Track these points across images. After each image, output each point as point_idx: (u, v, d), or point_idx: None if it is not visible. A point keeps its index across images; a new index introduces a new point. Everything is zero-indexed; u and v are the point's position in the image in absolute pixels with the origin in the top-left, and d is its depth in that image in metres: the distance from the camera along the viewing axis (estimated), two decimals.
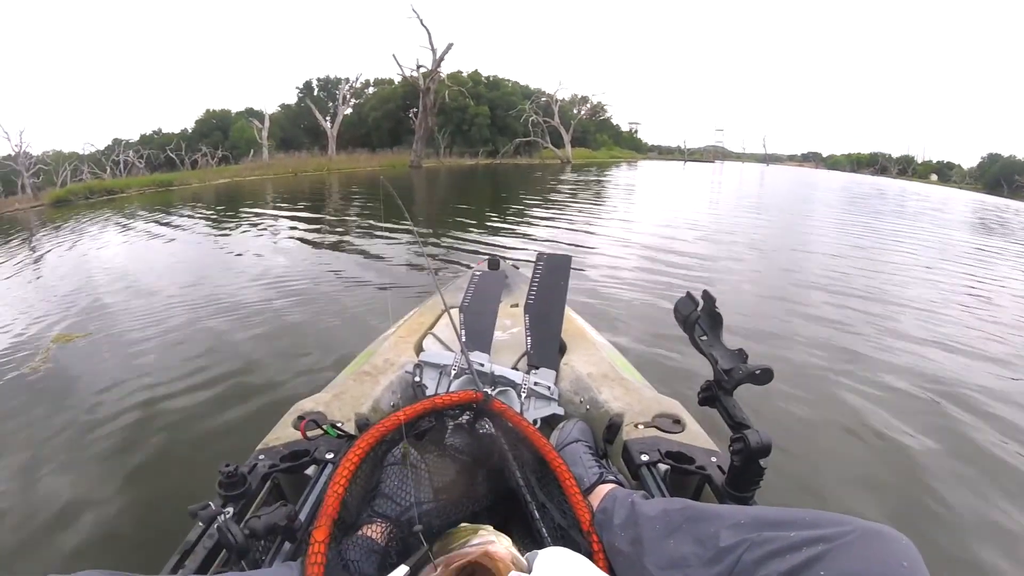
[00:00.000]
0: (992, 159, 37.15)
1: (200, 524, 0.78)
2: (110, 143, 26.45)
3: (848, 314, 3.76)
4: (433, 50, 20.78)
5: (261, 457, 0.99)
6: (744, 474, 0.83)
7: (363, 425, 1.12)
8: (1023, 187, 30.35)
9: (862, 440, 2.20)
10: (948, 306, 4.11)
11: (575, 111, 34.24)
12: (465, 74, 28.58)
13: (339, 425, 1.04)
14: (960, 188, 33.13)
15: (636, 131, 55.12)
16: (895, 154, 50.57)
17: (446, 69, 23.37)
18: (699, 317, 0.92)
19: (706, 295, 0.92)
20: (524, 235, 6.78)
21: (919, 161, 48.14)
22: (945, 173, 43.93)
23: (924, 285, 4.71)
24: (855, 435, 2.24)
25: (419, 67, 21.33)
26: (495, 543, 0.65)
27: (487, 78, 30.19)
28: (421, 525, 0.72)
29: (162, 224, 8.40)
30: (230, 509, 0.82)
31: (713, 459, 0.99)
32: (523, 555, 0.74)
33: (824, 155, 63.96)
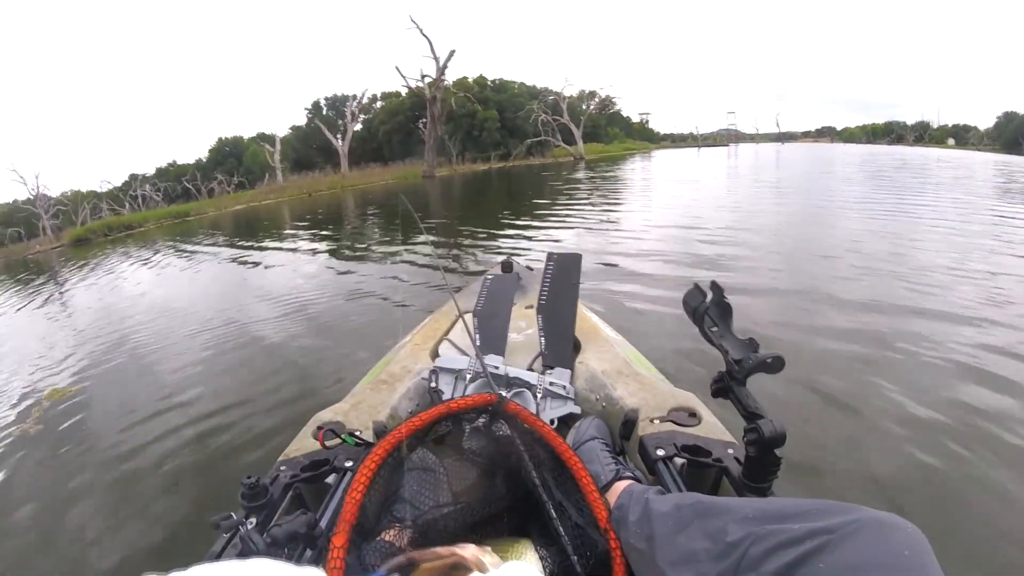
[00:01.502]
0: (1008, 118, 35.94)
1: (223, 535, 0.80)
2: (127, 179, 27.44)
3: (873, 305, 3.48)
4: (436, 59, 20.97)
5: (282, 468, 1.02)
6: (760, 464, 0.82)
7: (381, 432, 1.14)
8: None
9: (883, 431, 2.13)
10: (986, 295, 3.56)
11: (584, 107, 34.13)
12: (471, 79, 28.76)
13: (357, 433, 1.06)
14: (978, 150, 32.01)
15: (647, 121, 54.90)
16: (910, 121, 49.38)
17: (451, 76, 23.63)
18: (708, 308, 0.92)
19: (714, 285, 0.92)
20: (540, 236, 6.79)
21: (935, 126, 46.88)
22: (962, 136, 42.73)
23: (956, 276, 4.05)
24: (874, 424, 2.16)
25: (423, 77, 21.51)
26: (465, 548, 0.67)
27: (493, 81, 30.32)
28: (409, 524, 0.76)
29: (178, 256, 8.64)
30: (252, 519, 0.84)
31: (730, 451, 0.97)
32: (540, 558, 0.76)
33: (839, 128, 62.62)
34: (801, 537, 0.49)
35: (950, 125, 46.56)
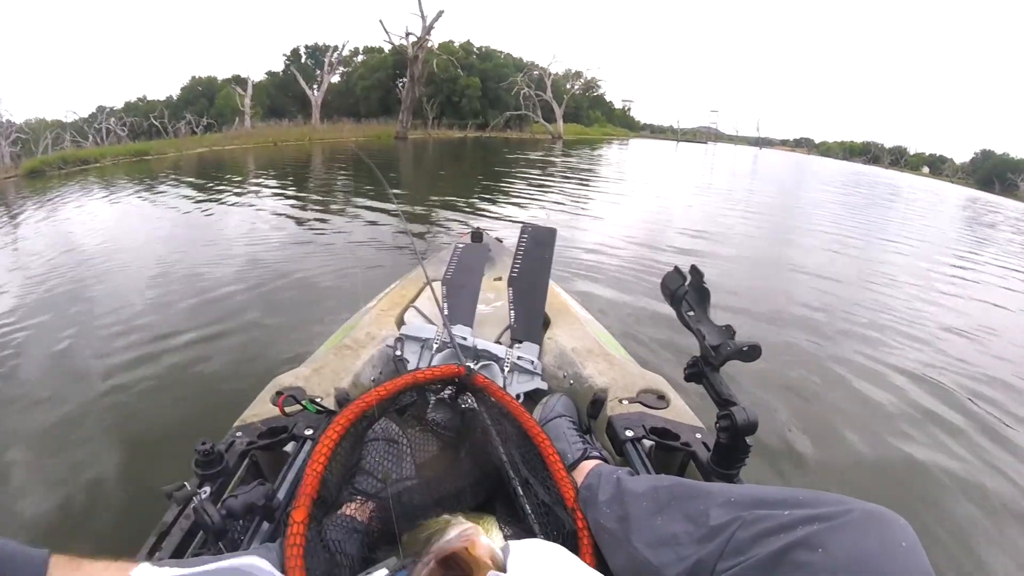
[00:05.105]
0: (985, 155, 37.83)
1: (176, 505, 0.75)
2: (94, 111, 25.51)
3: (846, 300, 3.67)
4: (423, 17, 20.27)
5: (238, 434, 0.96)
6: (730, 451, 0.82)
7: (343, 400, 1.10)
8: (1015, 185, 31.08)
9: (854, 423, 2.21)
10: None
11: (568, 86, 33.78)
12: (457, 44, 27.99)
13: (318, 400, 1.02)
14: (952, 182, 33.72)
15: (629, 109, 54.59)
16: (887, 143, 50.90)
17: (437, 38, 22.85)
18: (687, 292, 0.90)
19: (694, 270, 0.90)
20: (510, 209, 6.71)
21: (911, 152, 48.55)
22: (937, 166, 44.69)
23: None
24: (846, 416, 2.25)
25: (408, 34, 20.76)
26: (478, 537, 0.60)
27: (479, 49, 29.60)
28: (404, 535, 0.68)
29: (131, 197, 8.00)
30: (207, 489, 0.80)
31: (698, 435, 0.98)
32: (504, 536, 0.73)
33: (816, 141, 63.84)
34: (793, 524, 0.48)
35: (926, 153, 48.38)
